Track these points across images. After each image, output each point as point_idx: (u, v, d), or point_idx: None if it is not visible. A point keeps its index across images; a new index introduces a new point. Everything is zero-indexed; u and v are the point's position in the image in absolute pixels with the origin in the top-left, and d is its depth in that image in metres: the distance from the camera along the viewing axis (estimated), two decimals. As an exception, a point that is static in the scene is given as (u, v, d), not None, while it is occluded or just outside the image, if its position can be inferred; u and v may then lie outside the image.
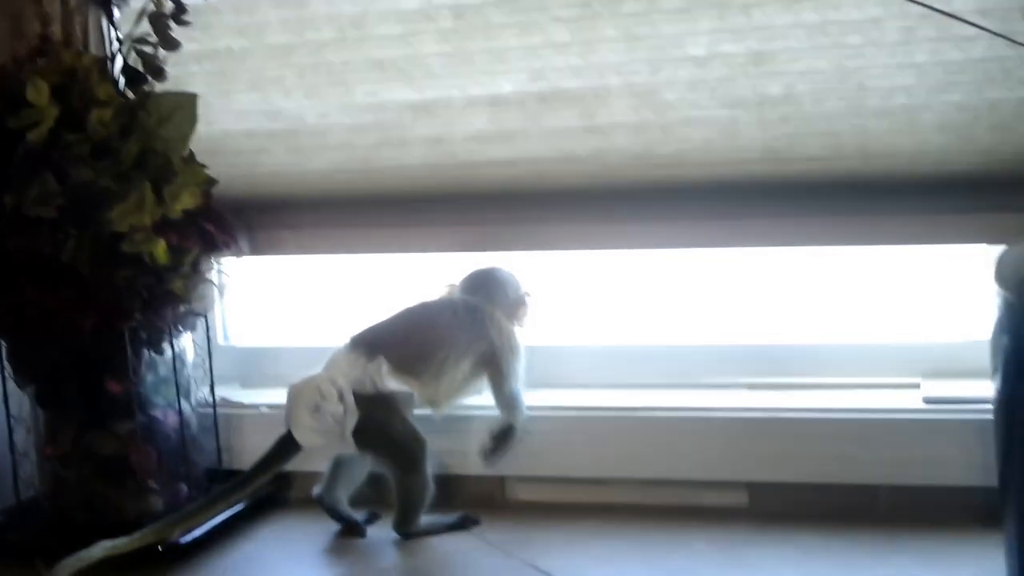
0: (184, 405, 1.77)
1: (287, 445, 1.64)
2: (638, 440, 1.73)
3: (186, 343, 1.80)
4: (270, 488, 1.84)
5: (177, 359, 1.73)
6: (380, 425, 1.63)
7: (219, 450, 1.86)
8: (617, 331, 1.94)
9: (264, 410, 1.89)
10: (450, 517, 1.70)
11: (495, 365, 1.70)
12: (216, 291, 1.78)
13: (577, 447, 1.75)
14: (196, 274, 1.71)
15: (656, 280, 1.92)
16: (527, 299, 1.76)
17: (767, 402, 1.74)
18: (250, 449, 1.86)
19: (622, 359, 1.90)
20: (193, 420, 1.80)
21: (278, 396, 1.89)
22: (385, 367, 1.63)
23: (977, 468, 1.55)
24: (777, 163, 1.67)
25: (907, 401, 1.68)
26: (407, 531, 1.66)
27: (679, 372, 1.86)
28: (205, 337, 1.84)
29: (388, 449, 1.66)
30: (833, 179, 1.66)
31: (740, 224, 1.73)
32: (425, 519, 1.67)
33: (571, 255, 1.90)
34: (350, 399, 1.61)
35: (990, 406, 1.33)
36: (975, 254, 1.72)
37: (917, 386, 1.72)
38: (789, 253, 1.82)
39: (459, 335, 1.68)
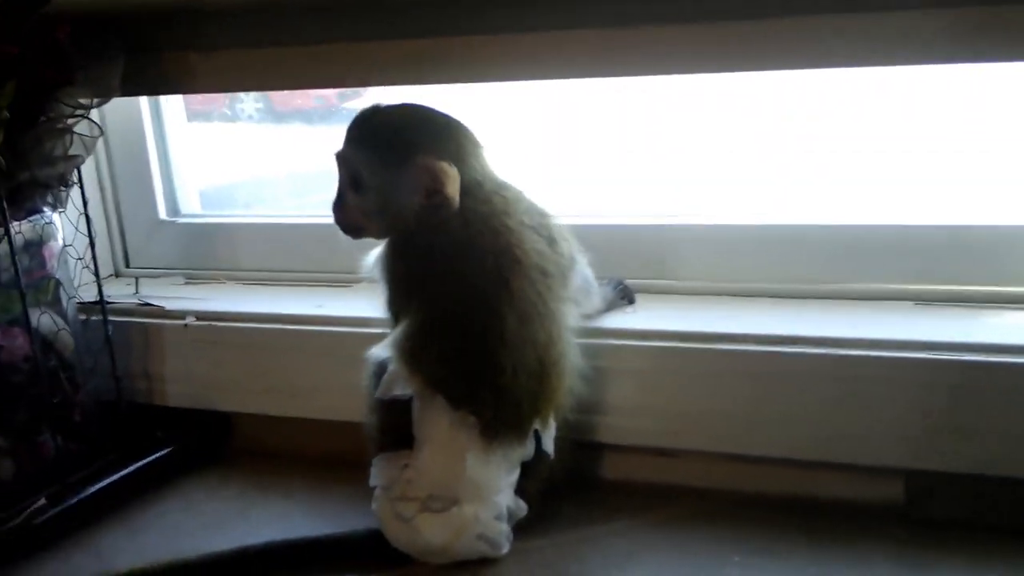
0: (44, 318, 1.19)
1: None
2: (725, 389, 1.06)
3: (56, 226, 1.21)
4: (194, 437, 1.29)
5: (19, 252, 1.14)
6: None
7: (116, 377, 1.28)
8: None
9: (191, 322, 1.29)
10: None
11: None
12: (82, 147, 1.17)
13: (639, 398, 1.09)
14: (39, 125, 1.11)
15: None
16: None
17: (948, 331, 1.01)
18: (171, 376, 1.30)
19: (692, 253, 1.21)
20: (66, 338, 1.22)
21: (232, 298, 1.36)
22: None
23: None
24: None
25: None
26: None
27: (792, 274, 1.16)
28: (84, 216, 1.24)
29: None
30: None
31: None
32: None
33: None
34: (521, 505, 1.03)
35: None
36: None
37: None
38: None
39: None
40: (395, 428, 1.01)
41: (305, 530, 1.09)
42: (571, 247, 1.05)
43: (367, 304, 1.24)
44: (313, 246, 1.38)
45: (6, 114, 1.06)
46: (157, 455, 1.24)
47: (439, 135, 1.01)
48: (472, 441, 0.98)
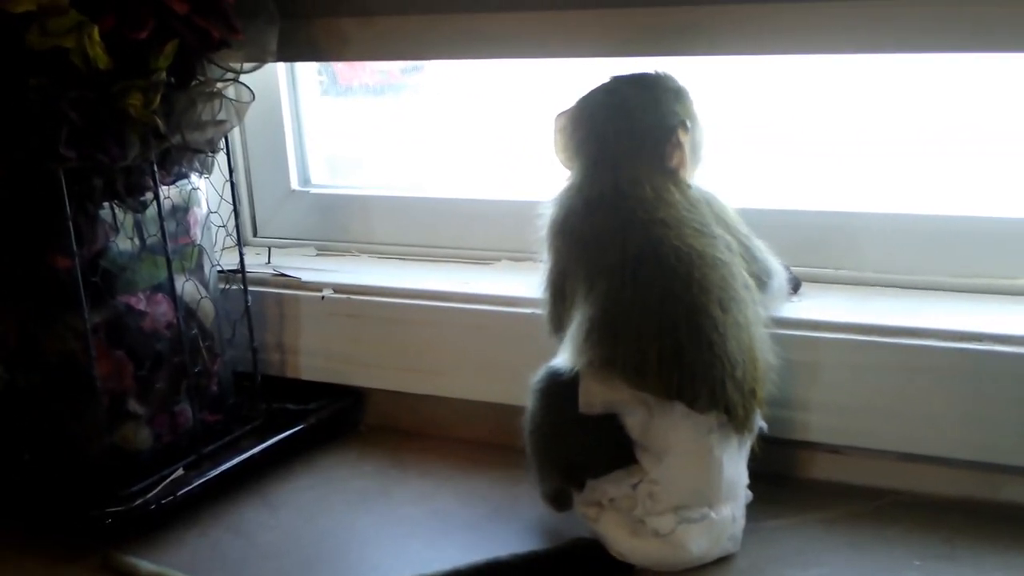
0: (188, 286, 1.17)
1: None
2: (902, 386, 1.00)
3: (201, 192, 1.19)
4: (330, 411, 1.26)
5: (165, 217, 1.11)
6: None
7: (253, 349, 1.26)
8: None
9: (329, 294, 1.27)
10: None
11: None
12: (232, 112, 1.14)
13: (809, 392, 1.04)
14: (188, 86, 1.09)
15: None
16: None
17: None
18: (306, 349, 1.28)
19: (863, 243, 1.15)
20: (207, 306, 1.20)
21: (368, 271, 1.33)
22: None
23: None
24: None
25: None
26: None
27: (970, 268, 1.10)
28: (228, 183, 1.21)
29: None
30: None
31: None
32: None
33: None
34: (749, 494, 0.98)
35: None
36: None
37: None
38: None
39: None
40: (600, 448, 0.94)
41: (453, 512, 1.07)
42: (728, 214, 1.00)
43: (511, 283, 1.22)
44: (447, 221, 1.35)
45: (163, 76, 1.04)
46: (296, 429, 1.21)
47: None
48: (724, 441, 0.92)
